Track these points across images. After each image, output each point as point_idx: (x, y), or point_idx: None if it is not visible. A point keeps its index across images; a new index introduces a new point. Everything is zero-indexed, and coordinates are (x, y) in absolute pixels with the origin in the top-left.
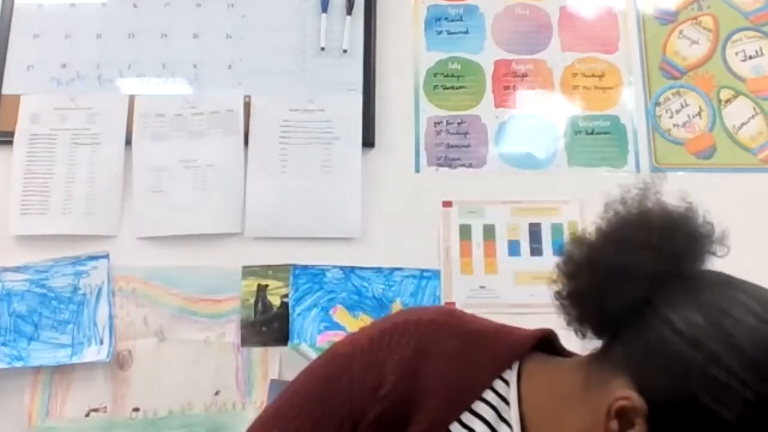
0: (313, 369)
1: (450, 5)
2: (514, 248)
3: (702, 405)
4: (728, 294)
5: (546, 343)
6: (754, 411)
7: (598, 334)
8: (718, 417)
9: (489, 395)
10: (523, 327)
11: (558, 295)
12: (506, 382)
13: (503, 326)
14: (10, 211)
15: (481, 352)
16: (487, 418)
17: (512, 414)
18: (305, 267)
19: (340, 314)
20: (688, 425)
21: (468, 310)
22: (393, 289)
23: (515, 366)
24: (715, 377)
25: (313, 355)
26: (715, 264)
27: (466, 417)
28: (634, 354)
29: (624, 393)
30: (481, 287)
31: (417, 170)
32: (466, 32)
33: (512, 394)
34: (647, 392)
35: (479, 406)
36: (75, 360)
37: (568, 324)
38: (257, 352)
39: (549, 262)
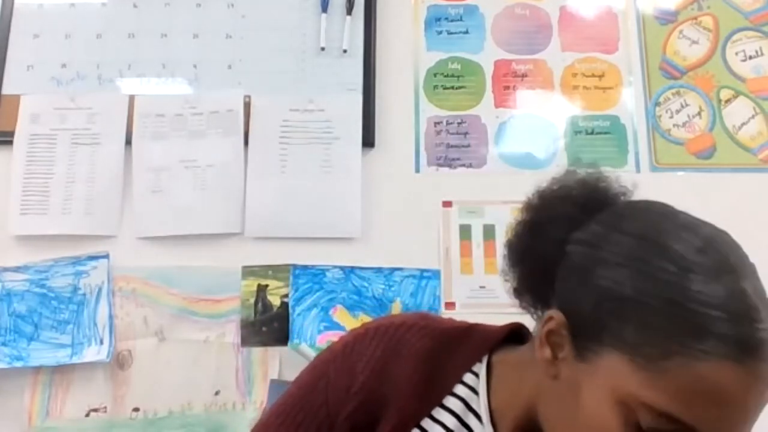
0: (300, 377)
1: (450, 5)
2: None
3: (603, 290)
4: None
5: (518, 336)
6: (643, 283)
7: (546, 302)
8: (622, 297)
9: (459, 389)
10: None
11: (514, 291)
12: (476, 375)
13: (475, 324)
14: (10, 211)
15: (451, 349)
16: (456, 410)
17: (481, 403)
18: (305, 267)
19: (340, 314)
20: (601, 321)
21: (468, 310)
22: (393, 289)
23: (485, 359)
24: (605, 259)
25: (313, 355)
26: None
27: (437, 412)
28: (558, 284)
29: (547, 315)
30: (481, 287)
31: (417, 170)
32: (466, 32)
33: (481, 385)
34: (568, 307)
35: (449, 401)
36: (75, 360)
37: (525, 308)
38: (257, 352)
39: None
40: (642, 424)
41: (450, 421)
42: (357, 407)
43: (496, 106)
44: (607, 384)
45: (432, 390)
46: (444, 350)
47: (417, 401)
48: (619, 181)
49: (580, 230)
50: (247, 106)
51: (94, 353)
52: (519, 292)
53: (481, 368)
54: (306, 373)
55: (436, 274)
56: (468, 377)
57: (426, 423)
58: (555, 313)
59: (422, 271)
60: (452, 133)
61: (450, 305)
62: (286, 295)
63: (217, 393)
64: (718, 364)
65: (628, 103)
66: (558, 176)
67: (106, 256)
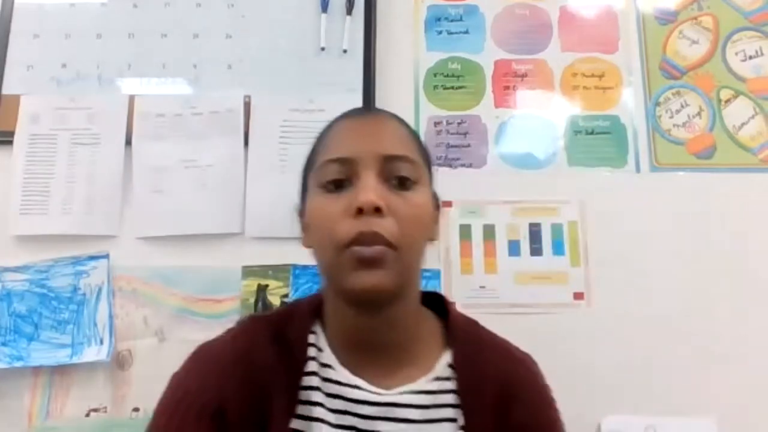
0: (163, 397)
1: (450, 5)
2: (514, 248)
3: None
4: None
5: None
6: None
7: None
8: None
9: (311, 351)
10: (524, 327)
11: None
12: (315, 333)
13: (297, 300)
14: (10, 211)
15: (289, 326)
16: (315, 370)
17: (326, 353)
18: (305, 267)
19: None
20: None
21: (468, 310)
22: None
23: (318, 322)
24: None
25: None
26: (714, 262)
27: (305, 380)
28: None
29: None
30: (481, 287)
31: None
32: (466, 32)
33: (321, 339)
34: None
35: (309, 366)
36: (75, 360)
37: None
38: None
39: (549, 262)
40: (325, 179)
41: (315, 380)
42: (238, 399)
43: (496, 106)
44: (312, 189)
45: (293, 362)
46: (282, 332)
47: (287, 375)
48: None
49: None
50: (247, 106)
51: (94, 353)
52: None
53: (317, 328)
54: (171, 387)
55: (436, 274)
56: (312, 338)
57: (302, 394)
58: (298, 209)
59: (422, 271)
60: (452, 133)
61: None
62: (286, 295)
63: None
64: (337, 123)
65: (628, 103)
66: None
67: (106, 256)
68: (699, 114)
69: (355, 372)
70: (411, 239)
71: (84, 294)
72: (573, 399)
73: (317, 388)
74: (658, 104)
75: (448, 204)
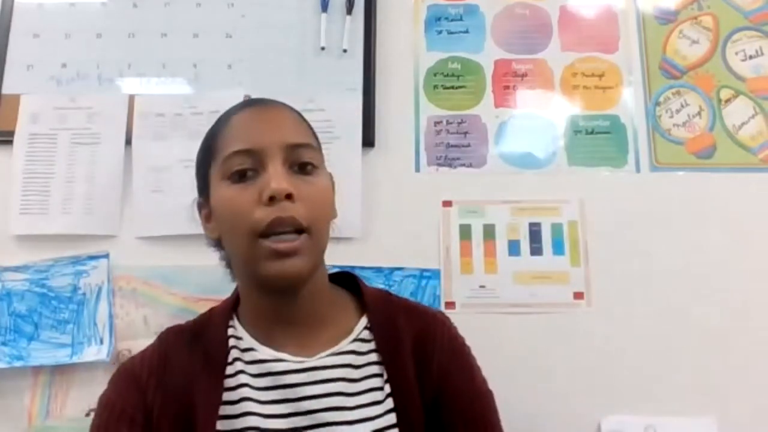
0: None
1: (450, 5)
2: (514, 248)
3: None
4: None
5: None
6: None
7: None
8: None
9: (231, 341)
10: (524, 327)
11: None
12: (234, 327)
13: (213, 308)
14: (10, 211)
15: (204, 329)
16: (242, 367)
17: (245, 342)
18: None
19: None
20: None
21: (468, 310)
22: (393, 288)
23: (234, 317)
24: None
25: None
26: (714, 262)
27: (230, 367)
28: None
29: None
30: (481, 287)
31: (417, 170)
32: (466, 32)
33: (240, 330)
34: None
35: (232, 361)
36: (75, 360)
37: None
38: None
39: (549, 261)
40: (231, 170)
41: (239, 365)
42: (160, 405)
43: (496, 105)
44: (217, 182)
45: (213, 354)
46: (202, 332)
47: (208, 368)
48: None
49: None
50: None
51: (94, 353)
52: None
53: (234, 322)
54: (99, 410)
55: (436, 274)
56: (230, 331)
57: (227, 382)
58: (198, 203)
59: (422, 270)
60: (452, 133)
61: (450, 305)
62: None
63: None
64: (235, 116)
65: (628, 102)
66: None
67: (106, 256)
68: (699, 114)
69: (278, 349)
70: (320, 221)
71: (84, 294)
72: (573, 399)
73: (241, 371)
74: (658, 104)
75: (448, 204)
